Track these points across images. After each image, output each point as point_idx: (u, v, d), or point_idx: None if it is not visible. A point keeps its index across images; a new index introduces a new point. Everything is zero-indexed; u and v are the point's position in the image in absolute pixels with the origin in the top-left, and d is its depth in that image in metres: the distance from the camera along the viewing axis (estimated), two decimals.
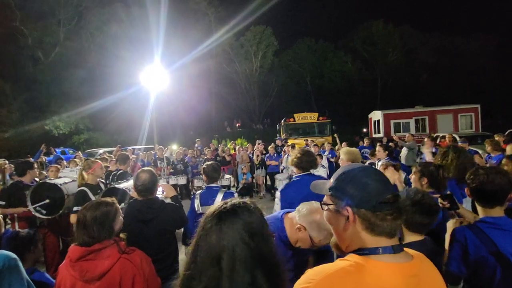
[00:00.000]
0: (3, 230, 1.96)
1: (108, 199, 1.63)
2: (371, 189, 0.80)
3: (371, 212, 0.79)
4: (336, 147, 8.79)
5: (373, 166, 2.73)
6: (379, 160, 5.18)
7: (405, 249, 0.83)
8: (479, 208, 1.59)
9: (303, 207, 1.53)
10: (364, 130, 25.22)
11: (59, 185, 3.24)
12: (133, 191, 2.43)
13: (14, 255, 1.43)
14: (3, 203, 3.59)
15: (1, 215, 2.10)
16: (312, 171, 2.71)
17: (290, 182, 2.80)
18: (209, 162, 2.95)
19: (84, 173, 3.22)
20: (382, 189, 0.80)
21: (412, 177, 2.25)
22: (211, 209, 0.88)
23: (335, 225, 0.87)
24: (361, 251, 0.80)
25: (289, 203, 2.24)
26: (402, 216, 0.81)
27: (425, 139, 5.73)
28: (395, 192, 0.81)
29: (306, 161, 2.62)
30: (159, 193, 2.48)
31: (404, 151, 7.60)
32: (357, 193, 0.80)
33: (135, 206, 2.13)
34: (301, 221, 1.48)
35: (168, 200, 2.41)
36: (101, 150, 15.28)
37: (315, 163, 2.76)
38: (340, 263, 0.79)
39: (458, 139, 6.91)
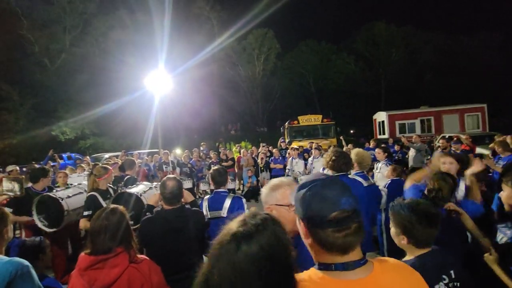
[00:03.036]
0: (11, 235, 1.97)
1: (119, 207, 1.63)
2: (320, 205, 0.80)
3: (319, 228, 0.80)
4: (344, 149, 8.74)
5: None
6: (379, 162, 5.15)
7: (372, 260, 0.84)
8: None
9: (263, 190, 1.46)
10: (352, 131, 24.97)
11: (61, 201, 3.25)
12: (149, 199, 2.44)
13: (26, 262, 1.44)
14: (10, 210, 3.61)
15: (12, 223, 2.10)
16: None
17: None
18: (215, 167, 2.94)
19: (96, 179, 3.25)
20: (331, 206, 0.80)
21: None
22: (228, 230, 0.78)
23: (298, 230, 0.89)
24: (318, 266, 0.82)
25: None
26: (357, 233, 0.80)
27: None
28: (345, 208, 0.80)
29: (343, 162, 2.64)
30: None
31: (411, 153, 7.52)
32: (307, 209, 0.82)
33: (164, 216, 2.11)
34: (267, 203, 1.39)
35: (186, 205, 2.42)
36: (107, 155, 15.40)
37: (351, 164, 2.82)
38: (299, 276, 0.81)
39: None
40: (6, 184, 3.18)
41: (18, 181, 3.22)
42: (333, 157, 2.63)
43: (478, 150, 8.62)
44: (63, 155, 17.10)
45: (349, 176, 2.85)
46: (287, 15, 34.05)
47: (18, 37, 22.82)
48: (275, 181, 1.44)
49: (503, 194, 1.78)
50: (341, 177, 2.60)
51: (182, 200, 2.40)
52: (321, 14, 40.21)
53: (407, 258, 1.45)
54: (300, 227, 0.87)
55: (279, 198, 1.36)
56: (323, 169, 6.14)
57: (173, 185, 2.12)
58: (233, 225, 0.79)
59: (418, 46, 32.62)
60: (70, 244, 4.20)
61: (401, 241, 1.45)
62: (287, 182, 1.39)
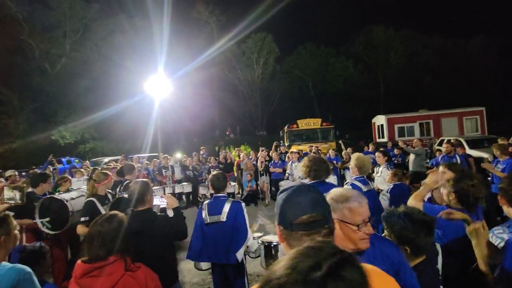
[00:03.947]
0: (17, 243, 1.97)
1: (117, 214, 1.63)
2: (290, 209, 0.86)
3: (288, 231, 0.85)
4: (343, 153, 8.78)
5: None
6: (379, 166, 5.16)
7: None
8: None
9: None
10: (347, 135, 24.92)
11: (65, 202, 3.27)
12: None
13: (28, 269, 1.44)
14: (11, 213, 3.60)
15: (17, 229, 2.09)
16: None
17: None
18: (215, 172, 2.94)
19: (96, 184, 3.26)
20: (300, 210, 0.84)
21: (444, 191, 2.03)
22: (295, 268, 0.55)
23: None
24: None
25: None
26: (327, 237, 0.82)
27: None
28: (313, 213, 0.84)
29: (319, 169, 2.58)
30: (163, 204, 2.47)
31: (411, 157, 7.54)
32: (280, 213, 0.89)
33: (128, 218, 2.14)
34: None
35: (170, 211, 2.40)
36: (106, 159, 15.39)
37: (328, 171, 2.69)
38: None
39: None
40: (7, 193, 3.17)
41: (19, 190, 3.22)
42: (309, 165, 2.59)
43: (478, 153, 8.66)
44: (63, 159, 17.10)
45: (327, 181, 2.73)
46: (286, 19, 34.27)
47: (18, 42, 22.95)
48: (340, 190, 1.21)
49: (505, 209, 1.70)
50: (318, 184, 2.50)
51: (167, 206, 2.41)
52: (320, 18, 40.51)
53: None
54: (277, 232, 0.92)
55: (347, 214, 1.11)
56: None
57: (134, 188, 2.13)
58: (303, 264, 0.56)
59: (417, 50, 32.81)
60: (69, 249, 4.19)
61: (403, 252, 1.38)
62: (357, 196, 1.15)
